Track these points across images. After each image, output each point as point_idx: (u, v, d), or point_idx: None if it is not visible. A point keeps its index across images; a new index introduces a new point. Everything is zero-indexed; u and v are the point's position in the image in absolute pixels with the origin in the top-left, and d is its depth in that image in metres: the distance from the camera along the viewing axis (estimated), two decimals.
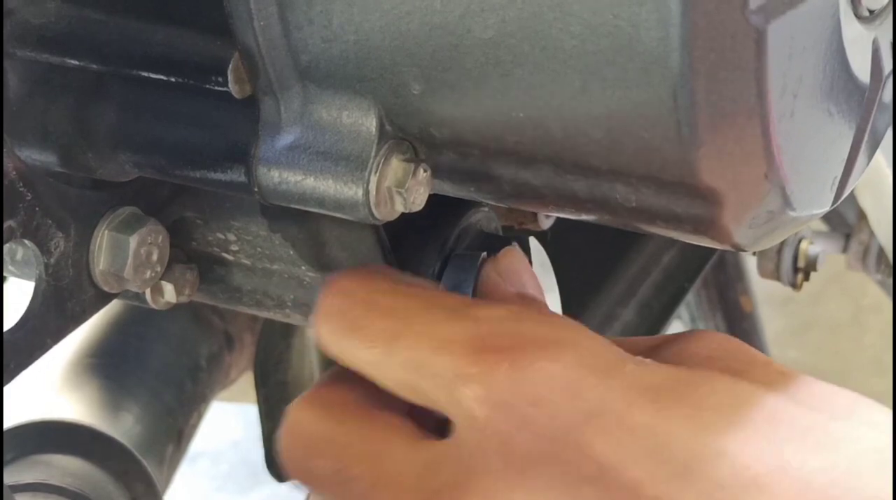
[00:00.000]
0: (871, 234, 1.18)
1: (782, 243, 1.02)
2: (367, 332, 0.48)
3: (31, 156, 0.49)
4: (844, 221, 1.21)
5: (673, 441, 0.44)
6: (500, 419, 0.46)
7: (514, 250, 0.53)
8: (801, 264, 1.02)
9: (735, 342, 0.49)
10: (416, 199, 0.47)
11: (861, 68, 0.49)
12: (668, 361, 0.48)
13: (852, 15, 0.48)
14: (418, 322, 0.48)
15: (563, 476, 0.45)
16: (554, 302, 0.59)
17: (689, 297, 1.10)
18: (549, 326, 0.48)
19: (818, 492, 0.42)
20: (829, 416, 0.45)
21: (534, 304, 0.52)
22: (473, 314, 0.48)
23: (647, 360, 0.47)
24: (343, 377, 0.50)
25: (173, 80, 0.47)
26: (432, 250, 0.54)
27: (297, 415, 0.50)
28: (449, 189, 0.49)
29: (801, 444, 0.44)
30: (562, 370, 0.46)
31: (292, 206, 0.47)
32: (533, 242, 0.57)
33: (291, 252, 0.53)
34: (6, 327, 0.47)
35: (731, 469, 0.43)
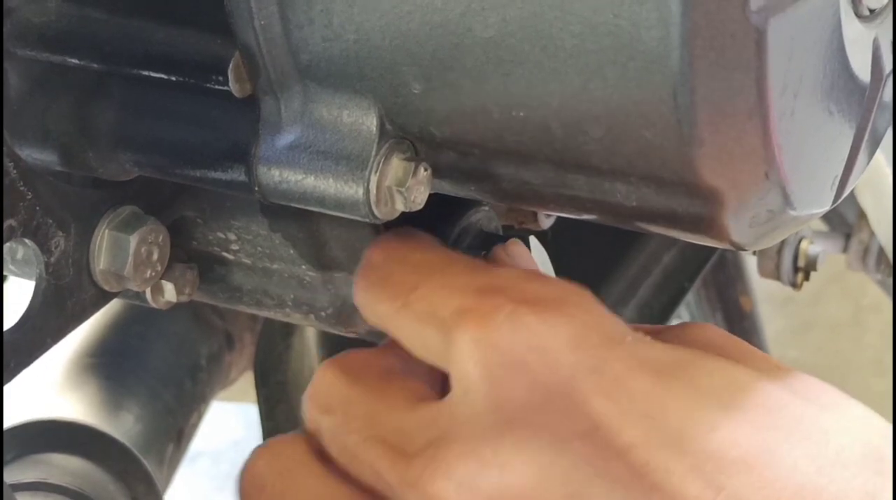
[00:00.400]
0: (871, 234, 1.18)
1: (783, 243, 1.02)
2: (392, 285, 0.49)
3: (31, 155, 0.49)
4: (844, 221, 1.21)
5: (669, 411, 0.44)
6: (494, 363, 0.45)
7: (519, 242, 0.53)
8: (801, 263, 1.02)
9: (732, 336, 0.49)
10: (417, 198, 0.47)
11: (861, 67, 0.49)
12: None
13: (853, 14, 0.48)
14: (437, 275, 0.48)
15: (554, 429, 0.45)
16: None
17: (689, 297, 1.10)
18: (560, 287, 0.48)
19: (803, 478, 0.43)
20: (821, 407, 0.45)
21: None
22: (491, 270, 0.48)
23: (647, 336, 0.47)
24: (377, 348, 0.51)
25: (174, 79, 0.47)
26: None
27: (320, 375, 0.51)
28: (449, 188, 0.49)
29: (791, 431, 0.44)
30: (567, 323, 0.46)
31: (293, 205, 0.47)
32: (533, 242, 0.57)
33: (292, 251, 0.53)
34: (6, 326, 0.47)
35: (721, 445, 0.43)
